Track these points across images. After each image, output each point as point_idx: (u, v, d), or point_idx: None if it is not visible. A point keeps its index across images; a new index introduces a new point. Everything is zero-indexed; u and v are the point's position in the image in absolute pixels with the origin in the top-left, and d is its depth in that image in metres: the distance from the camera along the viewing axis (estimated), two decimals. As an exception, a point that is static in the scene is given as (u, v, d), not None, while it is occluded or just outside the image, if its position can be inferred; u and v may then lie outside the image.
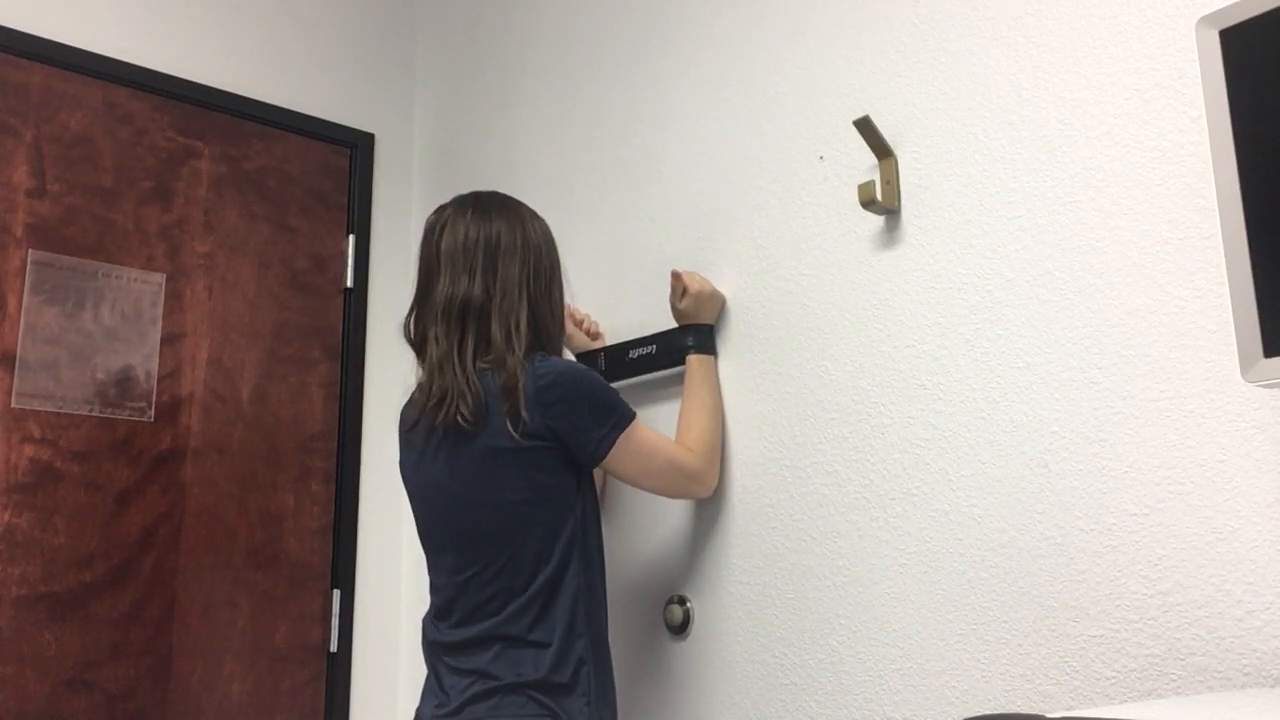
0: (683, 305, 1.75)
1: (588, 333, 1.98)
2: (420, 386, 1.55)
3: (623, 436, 1.53)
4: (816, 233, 1.66)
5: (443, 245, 1.57)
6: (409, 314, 1.61)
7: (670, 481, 1.61)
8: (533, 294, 1.56)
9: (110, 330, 2.13)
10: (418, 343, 1.58)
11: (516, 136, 2.34)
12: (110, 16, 2.25)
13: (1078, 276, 1.33)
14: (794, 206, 1.70)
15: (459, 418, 1.47)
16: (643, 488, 1.62)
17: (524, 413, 1.46)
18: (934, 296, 1.49)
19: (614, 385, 1.94)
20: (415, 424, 1.56)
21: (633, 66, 2.06)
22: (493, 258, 1.55)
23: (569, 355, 1.95)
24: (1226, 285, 1.09)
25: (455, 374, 1.49)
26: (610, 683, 1.55)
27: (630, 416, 1.55)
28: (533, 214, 1.64)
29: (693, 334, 1.75)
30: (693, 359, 1.73)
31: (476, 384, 1.49)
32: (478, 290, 1.53)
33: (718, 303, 1.77)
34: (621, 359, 1.90)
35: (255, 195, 2.38)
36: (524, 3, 2.39)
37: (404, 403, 1.64)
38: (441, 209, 1.62)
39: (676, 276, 1.75)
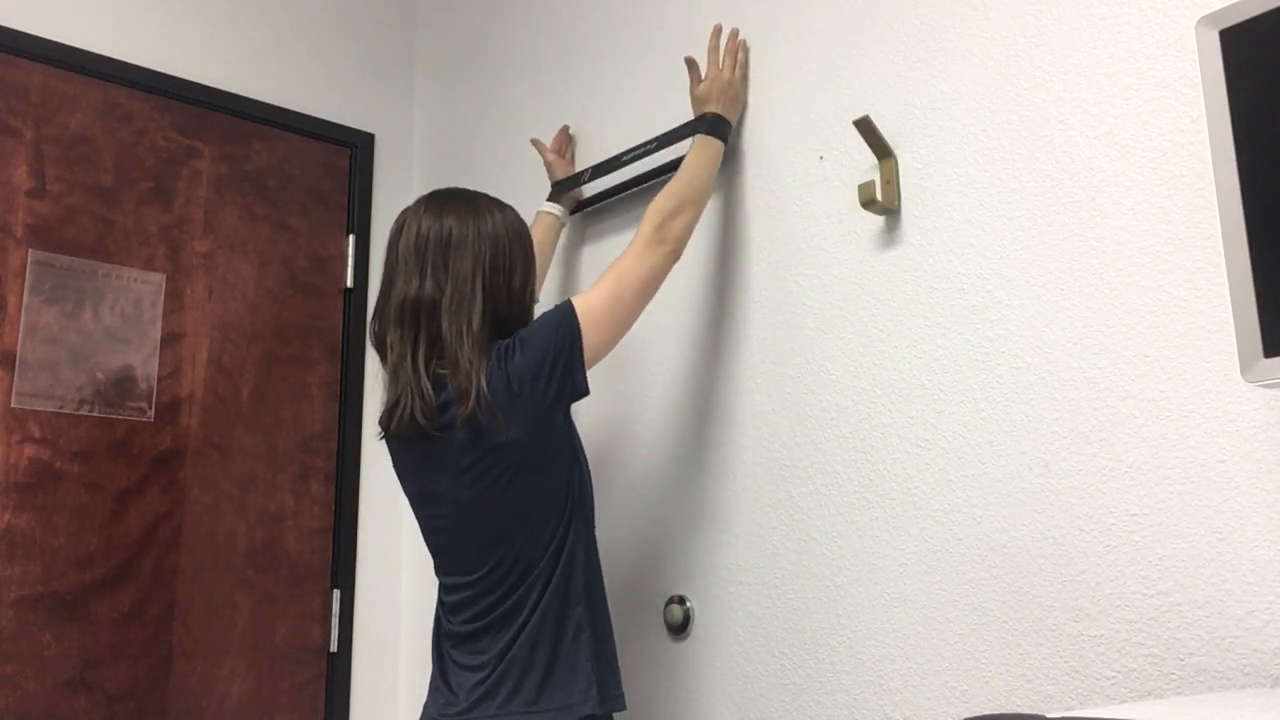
0: (699, 91, 1.67)
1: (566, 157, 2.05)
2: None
3: (577, 328, 1.47)
4: (816, 233, 1.66)
5: (400, 247, 1.53)
6: (371, 319, 1.56)
7: (636, 290, 1.54)
8: (489, 288, 1.50)
9: (110, 330, 2.13)
10: (379, 347, 1.54)
11: (516, 136, 2.34)
12: (110, 16, 2.24)
13: (1078, 276, 1.33)
14: (794, 206, 1.70)
15: (414, 422, 1.44)
16: (637, 314, 1.55)
17: (502, 414, 1.42)
18: (934, 296, 1.49)
19: (603, 202, 2.00)
20: (386, 432, 1.53)
21: (633, 66, 2.06)
22: (444, 254, 1.50)
23: (549, 195, 2.04)
24: (1226, 285, 1.09)
25: (409, 378, 1.46)
26: (610, 642, 1.52)
27: (567, 307, 1.48)
28: (496, 205, 1.57)
29: (707, 121, 1.66)
30: (696, 138, 1.66)
31: (428, 387, 1.45)
32: (429, 289, 1.48)
33: (738, 100, 1.69)
34: (614, 165, 1.89)
35: (255, 195, 2.38)
36: (524, 3, 2.39)
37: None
38: (404, 210, 1.58)
39: (692, 64, 1.68)
